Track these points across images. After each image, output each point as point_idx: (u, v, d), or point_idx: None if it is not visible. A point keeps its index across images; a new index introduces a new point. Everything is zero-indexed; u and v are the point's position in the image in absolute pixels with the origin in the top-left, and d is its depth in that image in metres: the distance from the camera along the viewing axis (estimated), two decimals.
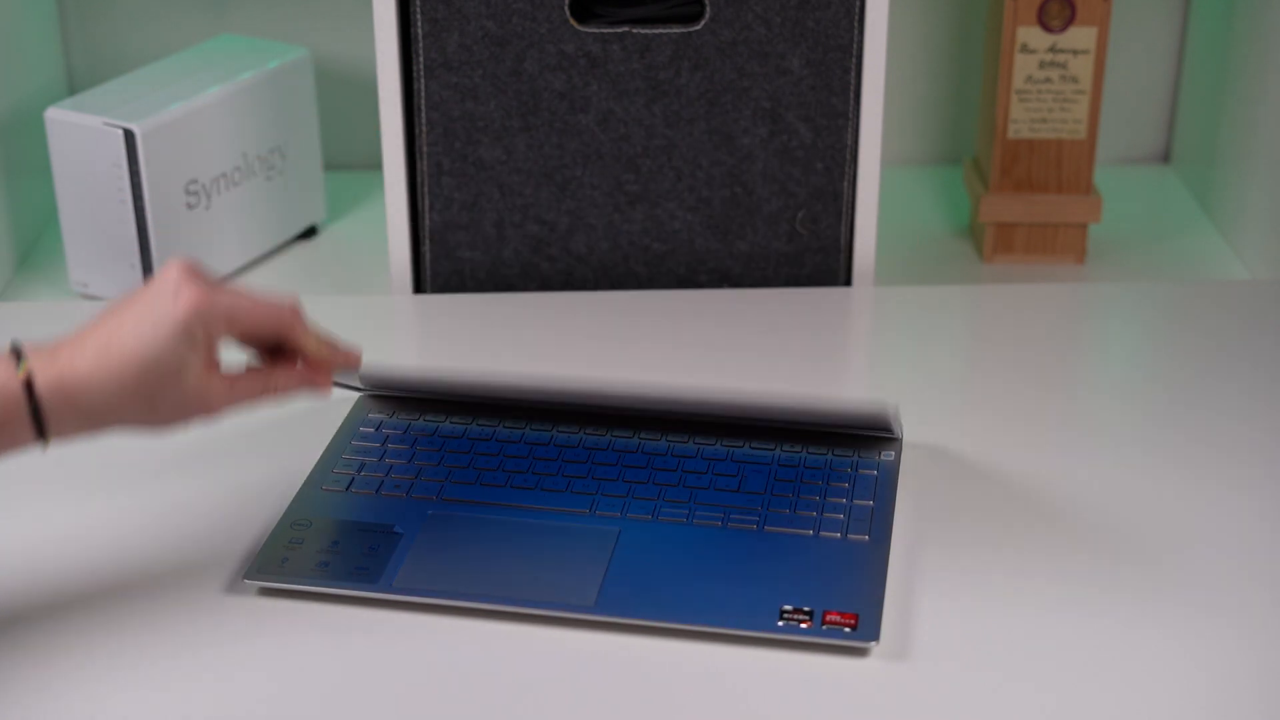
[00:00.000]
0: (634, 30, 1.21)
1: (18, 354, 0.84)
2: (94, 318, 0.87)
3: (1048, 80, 1.32)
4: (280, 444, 1.05)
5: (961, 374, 1.18)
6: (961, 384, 1.17)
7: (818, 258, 1.27)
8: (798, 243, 1.26)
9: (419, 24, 1.20)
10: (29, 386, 0.83)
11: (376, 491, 0.99)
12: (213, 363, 0.88)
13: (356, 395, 1.09)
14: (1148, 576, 0.93)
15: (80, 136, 1.24)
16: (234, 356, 0.91)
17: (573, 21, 1.20)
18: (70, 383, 0.84)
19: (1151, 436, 1.07)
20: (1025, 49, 1.31)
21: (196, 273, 0.87)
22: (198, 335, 0.85)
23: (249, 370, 0.90)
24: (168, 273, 0.86)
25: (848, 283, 1.28)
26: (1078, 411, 1.12)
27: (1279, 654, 0.87)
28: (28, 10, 1.39)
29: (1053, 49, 1.31)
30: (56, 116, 1.25)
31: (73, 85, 1.49)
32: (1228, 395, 1.12)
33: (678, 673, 0.86)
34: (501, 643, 0.88)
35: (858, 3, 1.20)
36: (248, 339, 0.90)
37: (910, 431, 1.05)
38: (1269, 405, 1.10)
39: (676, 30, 1.21)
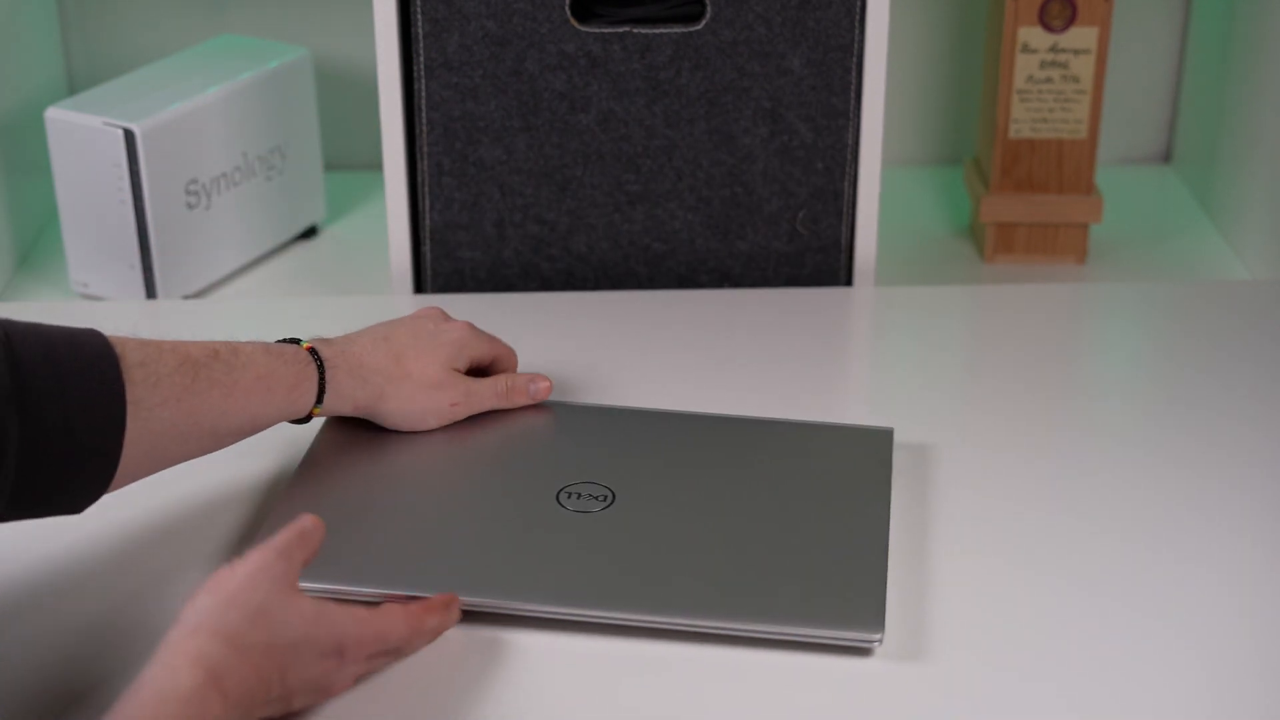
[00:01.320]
0: (635, 30, 1.21)
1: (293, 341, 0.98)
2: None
3: (1049, 80, 1.32)
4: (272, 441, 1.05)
5: (962, 374, 1.18)
6: (962, 384, 1.16)
7: (818, 258, 1.27)
8: (798, 242, 1.26)
9: (419, 24, 1.20)
10: (314, 353, 0.97)
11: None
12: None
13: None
14: (1149, 577, 0.93)
15: (80, 136, 1.24)
16: None
17: (573, 21, 1.20)
18: (346, 349, 0.99)
19: (1153, 437, 1.07)
20: (1026, 49, 1.31)
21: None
22: (463, 354, 1.04)
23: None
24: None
25: (848, 283, 1.28)
26: (1078, 412, 1.12)
27: None
28: (28, 9, 1.39)
29: (1054, 49, 1.31)
30: (56, 116, 1.25)
31: (73, 85, 1.49)
32: (1229, 396, 1.12)
33: (675, 671, 0.86)
34: (493, 640, 0.88)
35: (858, 3, 1.20)
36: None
37: (910, 431, 1.05)
38: (1270, 406, 1.10)
39: (677, 30, 1.21)
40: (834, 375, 1.18)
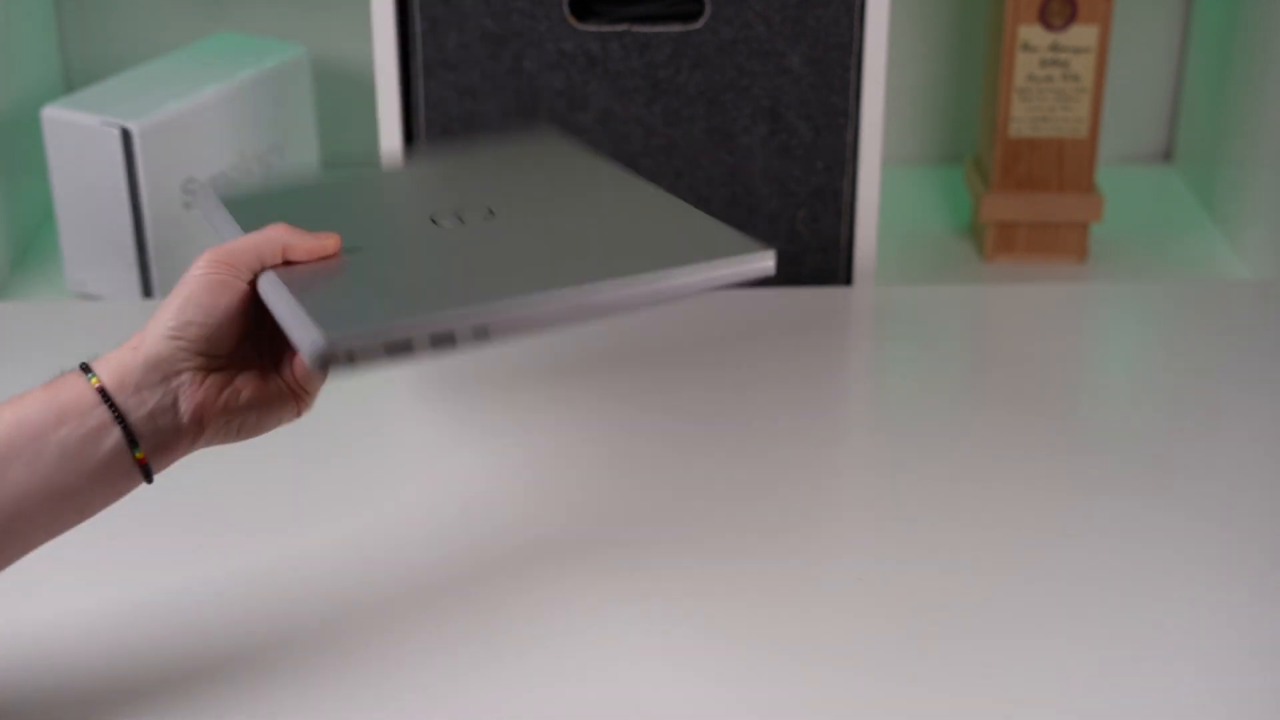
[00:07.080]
0: (633, 29, 1.20)
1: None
2: None
3: (1049, 79, 1.32)
4: None
5: (962, 373, 1.18)
6: (962, 384, 1.16)
7: (818, 257, 1.27)
8: (797, 242, 1.26)
9: (417, 22, 1.20)
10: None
11: None
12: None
13: None
14: (1149, 578, 0.93)
15: (77, 135, 1.24)
16: None
17: (572, 20, 1.20)
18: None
19: (1153, 436, 1.07)
20: (1026, 47, 1.31)
21: None
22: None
23: None
24: None
25: (848, 282, 1.28)
26: (1079, 411, 1.11)
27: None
28: (24, 7, 1.39)
29: (1054, 47, 1.31)
30: (53, 115, 1.24)
31: (69, 83, 1.48)
32: (1230, 395, 1.11)
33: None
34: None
35: (858, 1, 1.19)
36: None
37: (911, 431, 1.05)
38: (1271, 405, 1.10)
39: (676, 29, 1.20)
40: (833, 375, 1.18)
